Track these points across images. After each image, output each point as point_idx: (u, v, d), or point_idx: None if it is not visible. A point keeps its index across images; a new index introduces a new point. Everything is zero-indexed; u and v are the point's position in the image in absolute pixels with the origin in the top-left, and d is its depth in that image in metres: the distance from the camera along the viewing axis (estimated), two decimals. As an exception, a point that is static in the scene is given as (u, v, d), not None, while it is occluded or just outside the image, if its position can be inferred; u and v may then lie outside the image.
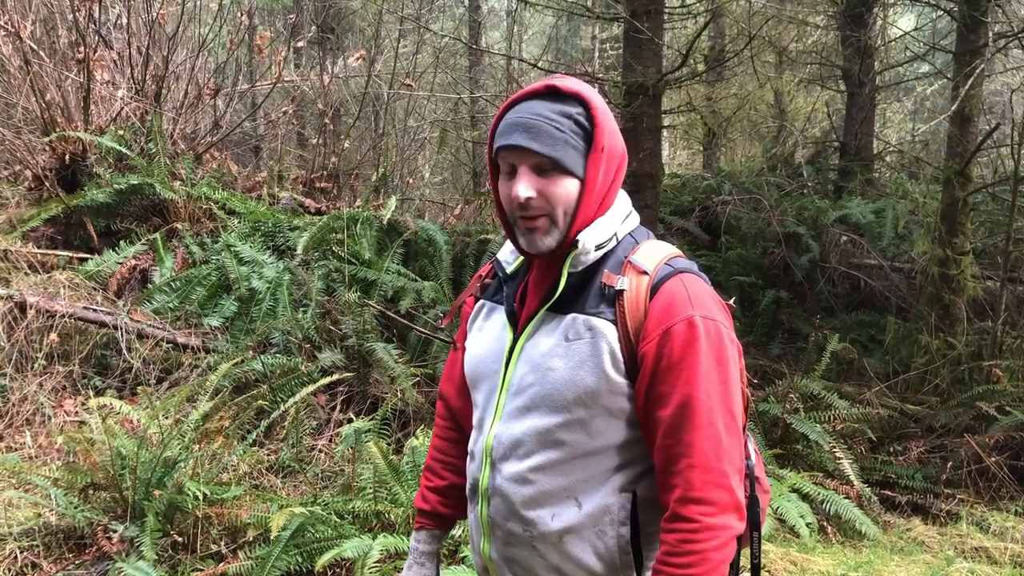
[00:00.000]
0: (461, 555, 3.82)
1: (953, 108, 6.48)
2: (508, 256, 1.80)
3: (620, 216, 1.69)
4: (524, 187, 1.58)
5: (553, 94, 1.62)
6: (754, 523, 1.67)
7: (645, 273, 1.60)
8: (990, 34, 6.54)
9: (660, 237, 1.77)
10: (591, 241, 1.62)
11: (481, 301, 1.83)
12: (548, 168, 1.58)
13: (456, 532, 3.92)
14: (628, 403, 1.59)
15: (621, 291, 1.59)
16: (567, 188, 1.59)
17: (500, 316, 1.76)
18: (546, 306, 1.65)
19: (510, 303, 1.73)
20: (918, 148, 11.05)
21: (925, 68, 11.24)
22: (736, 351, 1.62)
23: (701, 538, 1.50)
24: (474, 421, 1.79)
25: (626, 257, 1.64)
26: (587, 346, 1.58)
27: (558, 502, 1.62)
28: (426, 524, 1.94)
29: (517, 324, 1.70)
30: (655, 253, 1.65)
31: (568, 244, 1.63)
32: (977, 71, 6.23)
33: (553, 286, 1.65)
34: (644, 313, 1.57)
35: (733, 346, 1.61)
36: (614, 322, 1.58)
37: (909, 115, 16.21)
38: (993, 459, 5.52)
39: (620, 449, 1.62)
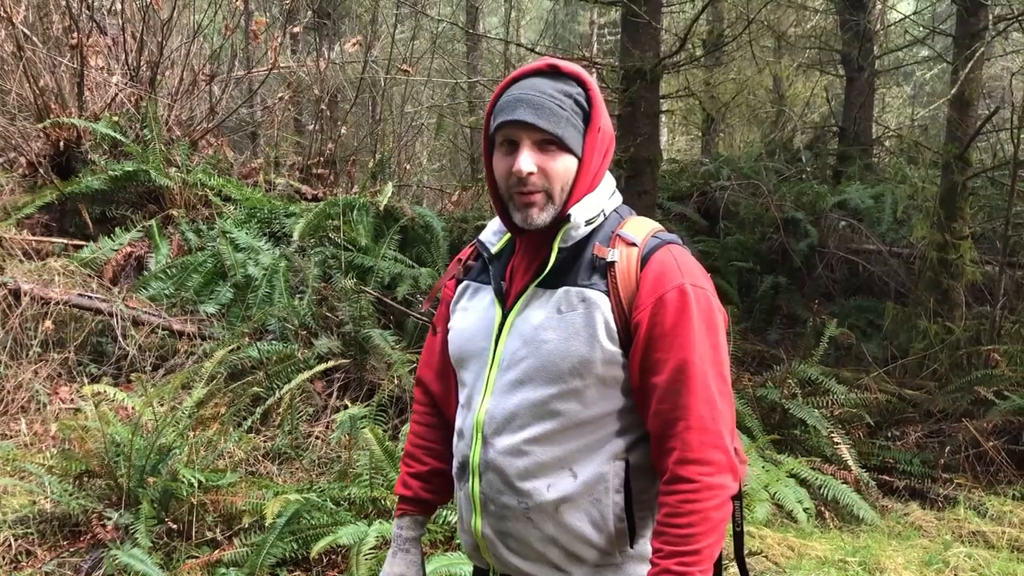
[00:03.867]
0: (457, 541, 3.81)
1: (952, 92, 6.46)
2: (491, 237, 1.82)
3: (607, 193, 1.74)
4: (526, 161, 1.61)
5: (554, 73, 1.67)
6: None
7: (634, 245, 1.65)
8: (990, 17, 6.51)
9: (659, 223, 1.78)
10: (582, 216, 1.66)
11: (465, 282, 1.84)
12: (550, 145, 1.62)
13: (453, 518, 3.91)
14: (622, 372, 1.62)
15: (612, 263, 1.64)
16: (566, 165, 1.64)
17: (487, 294, 1.77)
18: (536, 281, 1.68)
19: (498, 281, 1.75)
20: (917, 133, 11.01)
21: (925, 52, 11.17)
22: (723, 318, 1.67)
23: (701, 498, 1.54)
24: (461, 399, 1.80)
25: (614, 231, 1.69)
26: (581, 317, 1.62)
27: (553, 472, 1.64)
28: (408, 510, 1.94)
29: (505, 301, 1.72)
30: (641, 227, 1.70)
31: (559, 220, 1.66)
32: (977, 54, 6.20)
33: (543, 262, 1.67)
34: (636, 283, 1.61)
35: (720, 313, 1.66)
36: (607, 293, 1.62)
37: (908, 100, 16.15)
38: (991, 444, 5.51)
39: (613, 418, 1.65)
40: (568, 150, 1.63)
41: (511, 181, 1.64)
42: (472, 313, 1.79)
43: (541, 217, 1.64)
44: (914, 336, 6.62)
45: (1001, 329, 6.43)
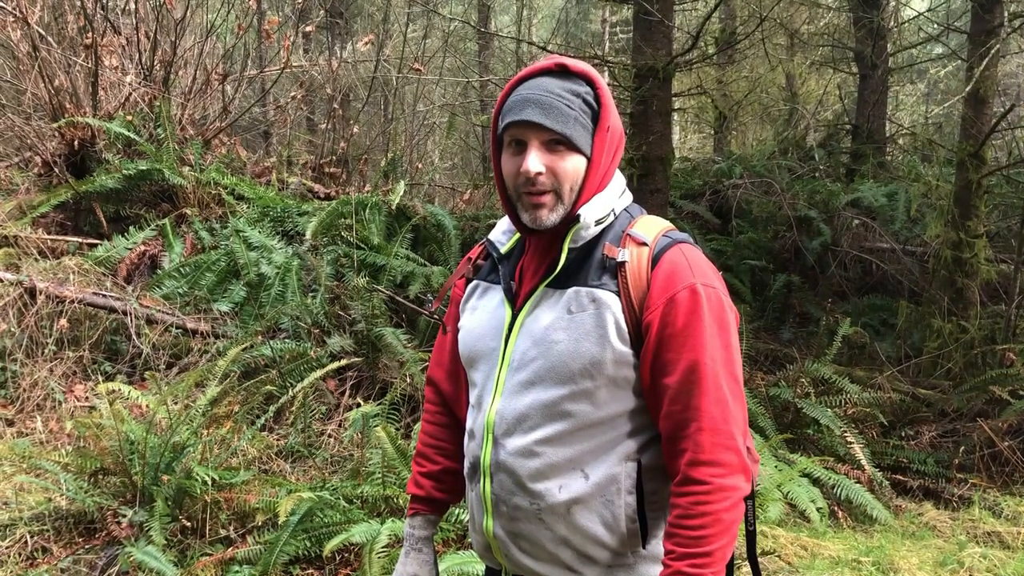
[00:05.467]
0: (469, 540, 3.82)
1: (967, 89, 6.41)
2: (501, 236, 1.81)
3: (617, 192, 1.72)
4: (535, 162, 1.60)
5: (563, 72, 1.65)
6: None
7: (645, 245, 1.64)
8: (1006, 13, 6.46)
9: (672, 222, 1.77)
10: (592, 216, 1.65)
11: (475, 281, 1.84)
12: (558, 145, 1.60)
13: (465, 517, 3.92)
14: (633, 372, 1.61)
15: (623, 263, 1.63)
16: (575, 165, 1.62)
17: (496, 294, 1.77)
18: (546, 281, 1.67)
19: (507, 281, 1.74)
20: (931, 130, 10.94)
21: (939, 50, 11.12)
22: (734, 317, 1.65)
23: (713, 499, 1.53)
24: (471, 400, 1.79)
25: (624, 231, 1.67)
26: (591, 317, 1.61)
27: (565, 473, 1.63)
28: (421, 510, 1.94)
29: (515, 301, 1.71)
30: (652, 226, 1.69)
31: (569, 220, 1.65)
32: (992, 51, 6.15)
33: (553, 262, 1.67)
34: (647, 283, 1.60)
35: (732, 312, 1.64)
36: (617, 293, 1.61)
37: (922, 97, 16.06)
38: (1006, 443, 5.48)
39: (625, 419, 1.64)
40: (577, 150, 1.61)
41: (519, 181, 1.62)
42: (481, 313, 1.78)
43: (551, 218, 1.63)
44: (928, 335, 6.58)
45: (1016, 328, 6.39)
